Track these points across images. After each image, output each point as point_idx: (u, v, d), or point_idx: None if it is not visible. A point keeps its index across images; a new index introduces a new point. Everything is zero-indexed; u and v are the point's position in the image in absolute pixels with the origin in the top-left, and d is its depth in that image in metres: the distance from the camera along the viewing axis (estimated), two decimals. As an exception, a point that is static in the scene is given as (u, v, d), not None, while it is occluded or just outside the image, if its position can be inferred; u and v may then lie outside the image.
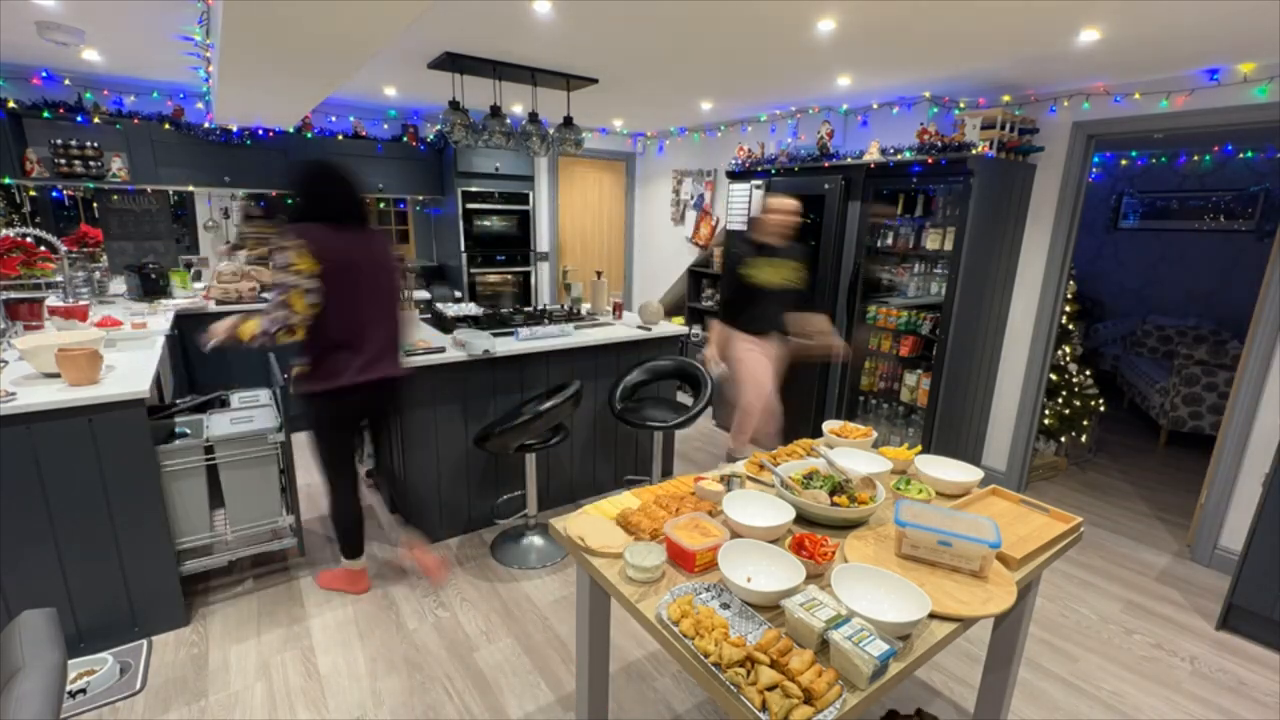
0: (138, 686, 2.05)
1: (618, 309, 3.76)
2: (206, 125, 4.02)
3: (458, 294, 4.95)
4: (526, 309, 3.76)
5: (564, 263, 6.07)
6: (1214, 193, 5.47)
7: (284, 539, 2.58)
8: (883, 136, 3.87)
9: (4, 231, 2.83)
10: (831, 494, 1.60)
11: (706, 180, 5.47)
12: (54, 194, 3.93)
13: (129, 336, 2.91)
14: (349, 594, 2.57)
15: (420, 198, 5.27)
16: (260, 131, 4.19)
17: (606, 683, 1.73)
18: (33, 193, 3.81)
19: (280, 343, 2.08)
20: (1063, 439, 4.01)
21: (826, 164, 3.82)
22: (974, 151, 3.14)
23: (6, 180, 3.51)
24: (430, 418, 2.84)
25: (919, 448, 2.05)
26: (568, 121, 3.70)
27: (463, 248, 4.85)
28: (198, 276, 4.32)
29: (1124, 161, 6.03)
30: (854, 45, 2.77)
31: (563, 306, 3.88)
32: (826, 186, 3.77)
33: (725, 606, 1.24)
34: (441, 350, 2.78)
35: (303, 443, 3.16)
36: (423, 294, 4.72)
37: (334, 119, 4.62)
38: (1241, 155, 5.31)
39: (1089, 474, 4.14)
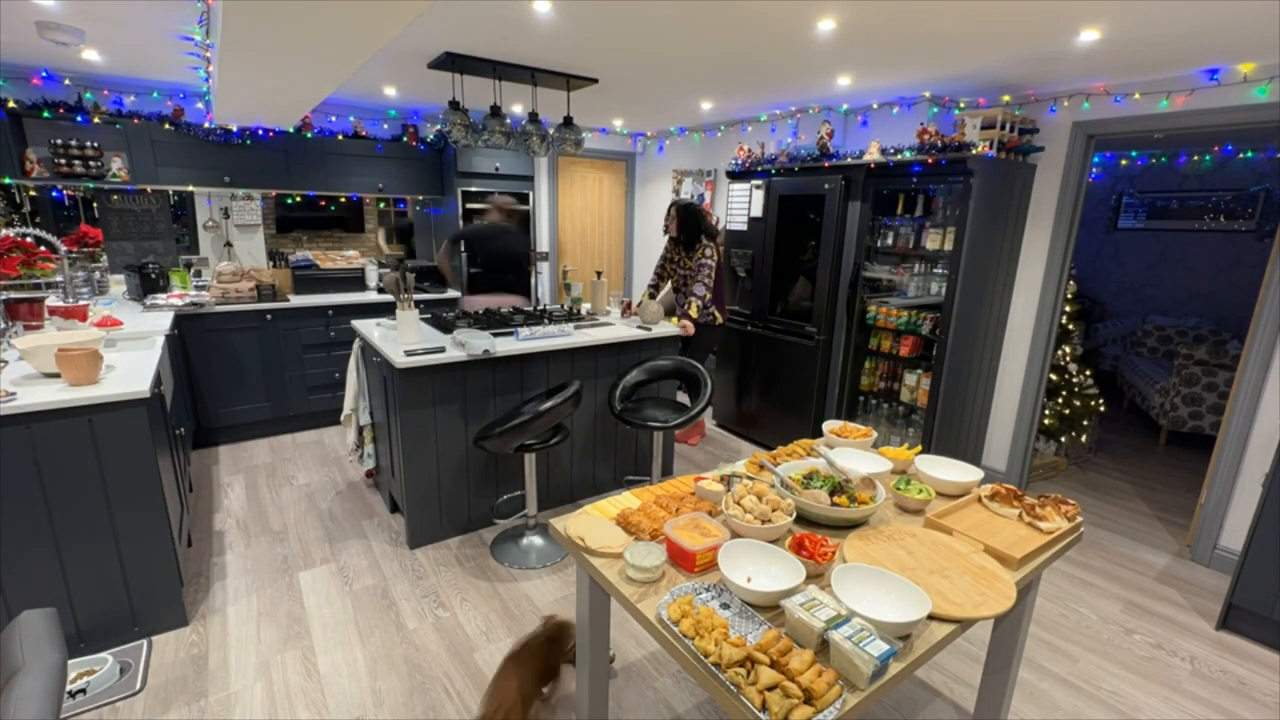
0: (138, 686, 2.05)
1: (626, 308, 3.80)
2: (206, 125, 4.02)
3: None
4: (526, 309, 3.76)
5: (564, 263, 6.08)
6: (1214, 193, 5.47)
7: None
8: (883, 136, 3.87)
9: (4, 231, 2.83)
10: (831, 494, 1.60)
11: (706, 180, 5.47)
12: (54, 194, 3.93)
13: (129, 336, 2.92)
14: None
15: (420, 198, 5.27)
16: (260, 131, 4.19)
17: (606, 683, 1.73)
18: (33, 193, 3.81)
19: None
20: (1063, 439, 4.01)
21: (826, 164, 3.82)
22: (974, 151, 3.14)
23: (6, 180, 3.51)
24: (430, 417, 2.84)
25: (919, 448, 2.05)
26: (568, 121, 3.70)
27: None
28: (198, 275, 4.32)
29: (1124, 161, 6.04)
30: (854, 45, 2.77)
31: (563, 306, 3.88)
32: (826, 186, 3.77)
33: (725, 606, 1.24)
34: (441, 350, 2.78)
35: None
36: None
37: (334, 119, 4.62)
38: (1241, 155, 5.31)
39: (1089, 474, 4.14)
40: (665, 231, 4.04)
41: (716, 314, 3.98)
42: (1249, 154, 5.26)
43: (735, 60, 3.11)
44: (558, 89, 3.78)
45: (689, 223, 3.87)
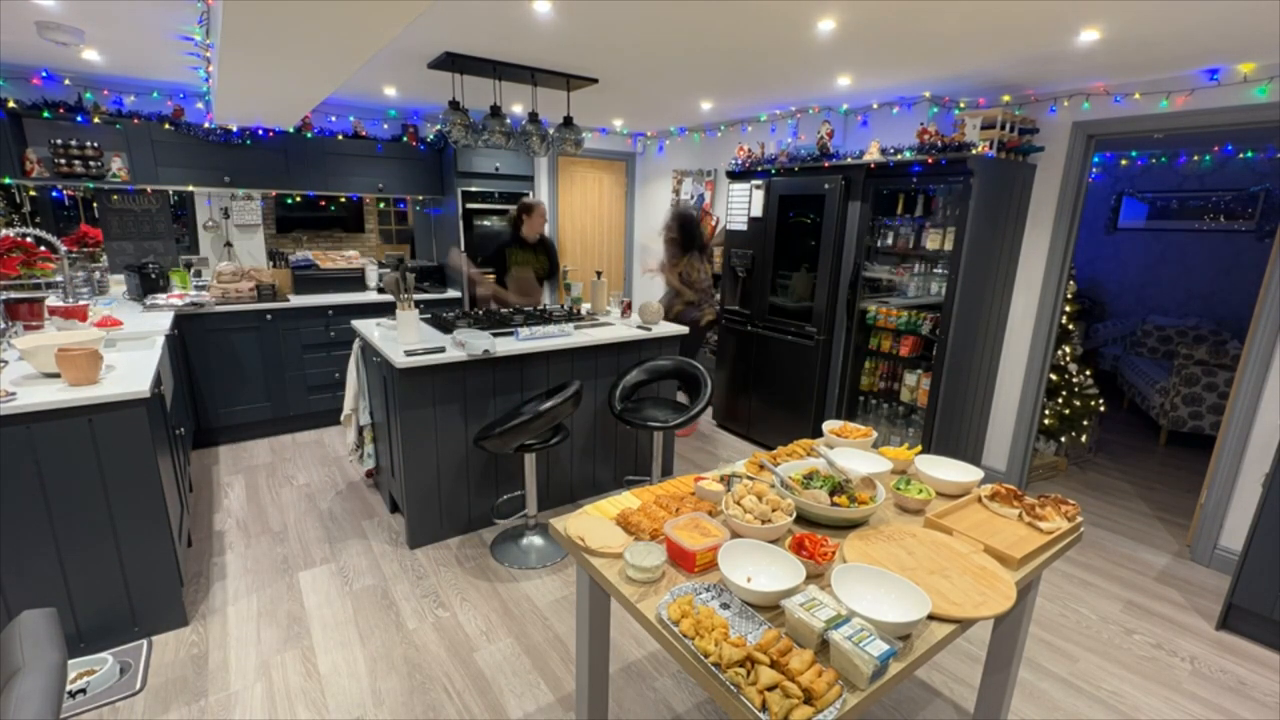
0: (138, 686, 2.05)
1: (626, 308, 3.80)
2: (206, 125, 4.02)
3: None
4: (526, 309, 3.76)
5: (564, 263, 6.07)
6: (1214, 193, 5.47)
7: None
8: (883, 136, 3.87)
9: (4, 231, 2.83)
10: (831, 494, 1.60)
11: (706, 180, 5.47)
12: (54, 194, 3.93)
13: (129, 336, 2.92)
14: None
15: (420, 198, 5.27)
16: (260, 131, 4.19)
17: (606, 683, 1.73)
18: (33, 193, 3.81)
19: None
20: (1063, 439, 4.01)
21: (826, 164, 3.81)
22: (974, 151, 3.14)
23: (6, 180, 3.51)
24: (430, 417, 2.84)
25: (919, 448, 2.05)
26: (568, 121, 3.70)
27: (463, 248, 4.85)
28: (198, 275, 4.32)
29: (1124, 161, 6.04)
30: (854, 45, 2.77)
31: (563, 306, 3.88)
32: (826, 186, 3.77)
33: (725, 606, 1.24)
34: (441, 350, 2.78)
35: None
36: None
37: (334, 119, 4.62)
38: (1241, 155, 5.31)
39: (1089, 474, 4.14)
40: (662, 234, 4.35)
41: (707, 313, 4.39)
42: (1249, 154, 5.26)
43: (735, 60, 3.11)
44: (558, 89, 3.78)
45: (682, 231, 4.36)
